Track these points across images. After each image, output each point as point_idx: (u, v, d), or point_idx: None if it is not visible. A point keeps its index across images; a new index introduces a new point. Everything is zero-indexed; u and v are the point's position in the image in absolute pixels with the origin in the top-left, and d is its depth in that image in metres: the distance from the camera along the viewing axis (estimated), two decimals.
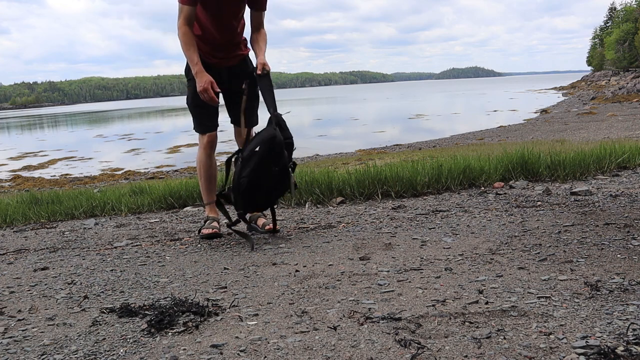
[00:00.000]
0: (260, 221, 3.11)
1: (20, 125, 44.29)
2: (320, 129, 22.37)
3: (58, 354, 1.57)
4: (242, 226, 3.04)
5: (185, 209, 4.15)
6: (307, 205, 3.80)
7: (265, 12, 3.05)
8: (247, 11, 3.06)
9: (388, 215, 3.25)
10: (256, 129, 3.01)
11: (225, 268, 2.38)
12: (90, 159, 16.25)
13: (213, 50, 3.00)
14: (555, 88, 55.02)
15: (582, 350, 1.36)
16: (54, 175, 13.01)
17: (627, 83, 32.05)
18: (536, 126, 16.21)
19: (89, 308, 1.96)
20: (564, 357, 1.34)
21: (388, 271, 2.14)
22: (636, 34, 50.68)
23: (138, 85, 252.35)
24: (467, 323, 1.58)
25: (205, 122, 3.04)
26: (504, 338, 1.47)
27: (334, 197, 3.89)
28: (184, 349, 1.55)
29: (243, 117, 2.99)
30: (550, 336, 1.46)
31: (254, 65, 3.02)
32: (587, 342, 1.41)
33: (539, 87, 62.63)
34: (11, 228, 3.95)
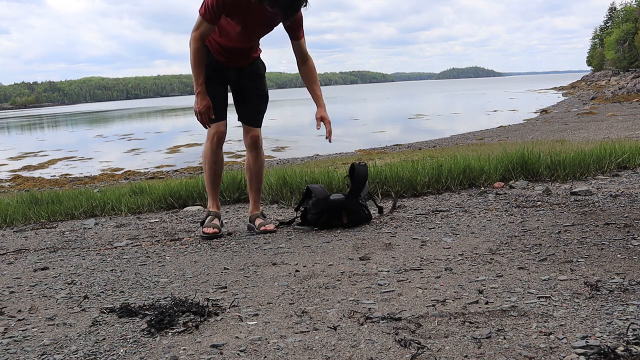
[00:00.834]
0: (258, 221, 3.12)
1: (20, 125, 44.27)
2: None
3: (58, 354, 1.57)
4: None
5: (185, 209, 4.15)
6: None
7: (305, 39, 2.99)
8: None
9: (388, 215, 3.25)
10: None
11: (225, 268, 2.38)
12: (90, 159, 16.23)
13: (226, 53, 2.98)
14: (555, 88, 55.02)
15: (582, 350, 1.36)
16: (54, 175, 13.00)
17: (627, 83, 32.05)
18: (536, 126, 16.20)
19: (89, 308, 1.96)
20: (564, 357, 1.34)
21: (388, 271, 2.14)
22: (636, 34, 50.68)
23: (138, 85, 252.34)
24: (467, 323, 1.58)
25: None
26: (504, 338, 1.47)
27: None
28: (184, 349, 1.55)
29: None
30: (550, 336, 1.46)
31: (264, 65, 3.10)
32: (587, 342, 1.40)
33: (539, 87, 62.63)
34: (11, 228, 3.96)
